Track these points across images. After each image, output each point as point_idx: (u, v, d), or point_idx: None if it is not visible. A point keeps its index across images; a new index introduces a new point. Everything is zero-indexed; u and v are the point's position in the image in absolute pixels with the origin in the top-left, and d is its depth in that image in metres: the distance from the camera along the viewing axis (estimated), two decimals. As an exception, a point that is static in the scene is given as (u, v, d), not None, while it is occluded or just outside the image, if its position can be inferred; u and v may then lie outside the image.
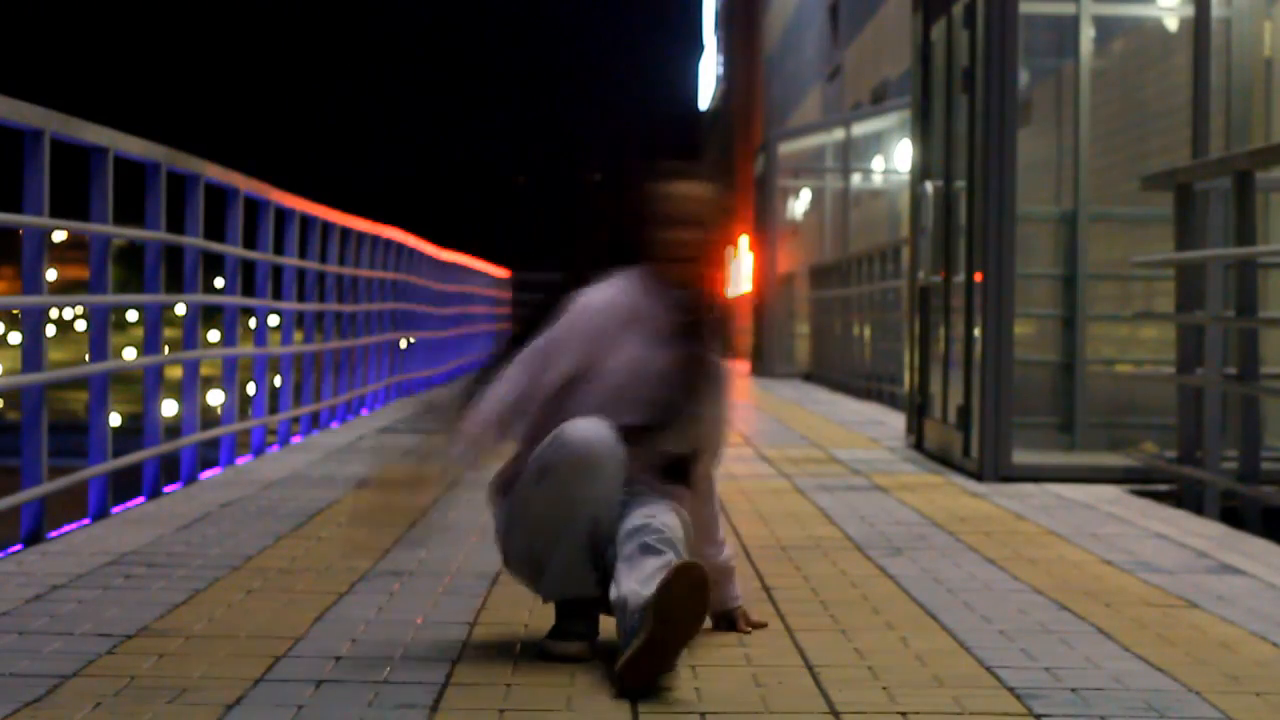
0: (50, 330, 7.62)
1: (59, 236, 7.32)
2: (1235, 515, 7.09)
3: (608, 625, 4.06)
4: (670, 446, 4.05)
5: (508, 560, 4.07)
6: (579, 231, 4.19)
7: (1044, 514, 6.91)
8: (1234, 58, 8.68)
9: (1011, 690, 3.65)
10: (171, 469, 7.63)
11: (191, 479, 7.79)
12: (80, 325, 53.65)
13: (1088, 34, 9.18)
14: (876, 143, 23.02)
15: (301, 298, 10.70)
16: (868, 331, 16.60)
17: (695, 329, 4.04)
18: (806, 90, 37.98)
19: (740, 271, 23.76)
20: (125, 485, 7.38)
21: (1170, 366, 8.10)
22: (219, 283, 9.45)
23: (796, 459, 9.18)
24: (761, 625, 4.30)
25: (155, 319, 7.46)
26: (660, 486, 4.01)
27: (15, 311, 6.39)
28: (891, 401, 14.72)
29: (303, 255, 10.79)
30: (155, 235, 7.36)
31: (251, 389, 9.64)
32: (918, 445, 9.94)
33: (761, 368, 21.97)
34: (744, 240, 24.24)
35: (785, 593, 4.87)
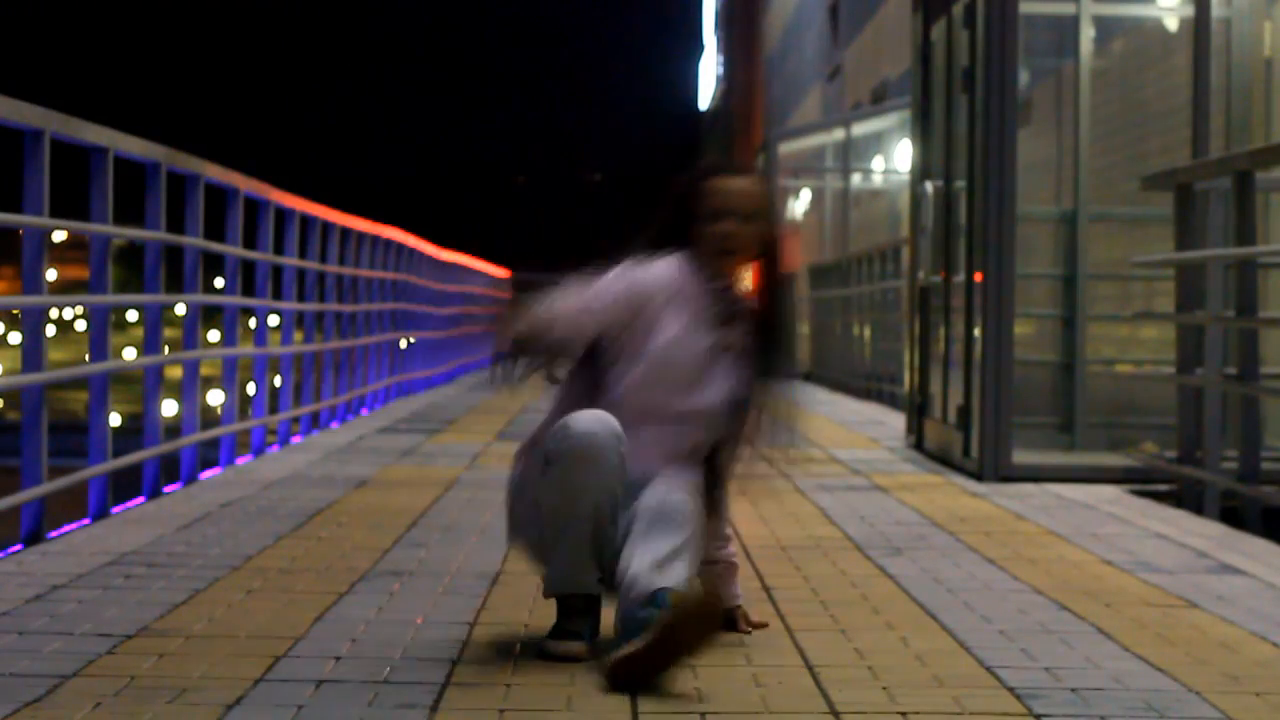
0: (50, 330, 7.62)
1: (59, 236, 7.32)
2: (1235, 515, 7.10)
3: (608, 625, 4.06)
4: (706, 435, 4.08)
5: (512, 525, 4.08)
6: (636, 222, 4.25)
7: (1044, 514, 6.91)
8: (1234, 58, 8.68)
9: (1011, 690, 3.66)
10: (171, 469, 7.63)
11: (191, 479, 7.79)
12: (80, 325, 53.66)
13: (1088, 34, 9.18)
14: (876, 143, 23.03)
15: (301, 298, 10.70)
16: (868, 331, 16.60)
17: (735, 320, 4.10)
18: (806, 90, 37.99)
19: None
20: (125, 485, 7.38)
21: (1170, 366, 8.10)
22: (219, 283, 9.45)
23: (796, 459, 9.17)
24: (762, 625, 4.30)
25: (155, 319, 7.46)
26: (683, 471, 4.02)
27: (15, 311, 6.39)
28: (891, 401, 14.72)
29: (303, 255, 10.79)
30: (155, 235, 7.36)
31: (251, 389, 9.64)
32: (918, 445, 9.94)
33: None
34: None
35: (785, 593, 4.87)
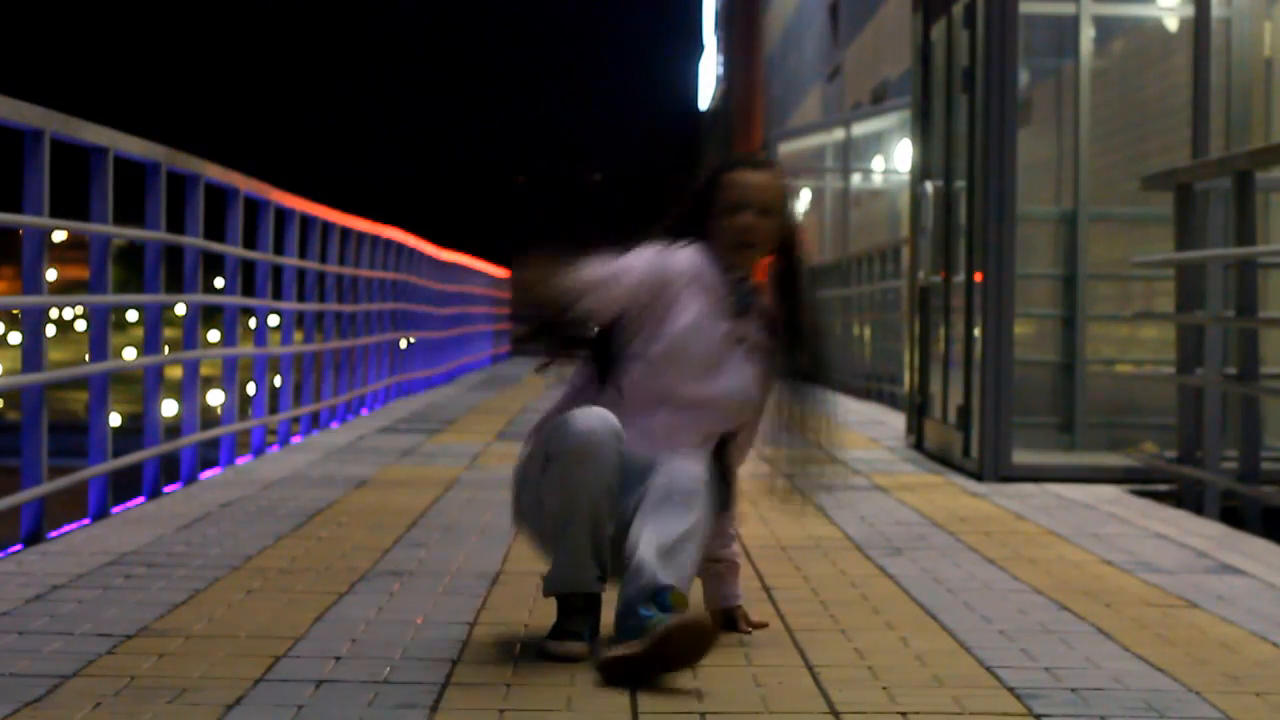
0: (50, 330, 7.62)
1: (59, 236, 7.32)
2: (1235, 515, 7.10)
3: (608, 623, 4.06)
4: (718, 425, 4.10)
5: (517, 511, 4.09)
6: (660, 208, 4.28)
7: (1044, 514, 6.91)
8: (1234, 58, 8.68)
9: (1011, 690, 3.66)
10: (171, 469, 7.63)
11: (191, 479, 7.79)
12: (80, 325, 53.66)
13: (1088, 34, 9.18)
14: (876, 143, 23.03)
15: (301, 298, 10.70)
16: (868, 331, 16.60)
17: (751, 314, 4.13)
18: (806, 90, 37.99)
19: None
20: (125, 485, 7.38)
21: (1170, 366, 8.10)
22: (219, 283, 9.44)
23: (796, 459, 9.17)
24: (762, 625, 4.30)
25: (155, 319, 7.45)
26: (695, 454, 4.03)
27: (15, 311, 6.38)
28: (891, 401, 14.72)
29: (303, 255, 10.79)
30: (155, 235, 7.36)
31: (251, 389, 9.64)
32: (918, 445, 9.94)
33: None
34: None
35: (785, 593, 4.87)
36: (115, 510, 6.60)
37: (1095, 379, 9.44)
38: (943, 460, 9.17)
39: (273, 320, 10.14)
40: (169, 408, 14.76)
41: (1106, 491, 7.80)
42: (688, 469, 3.92)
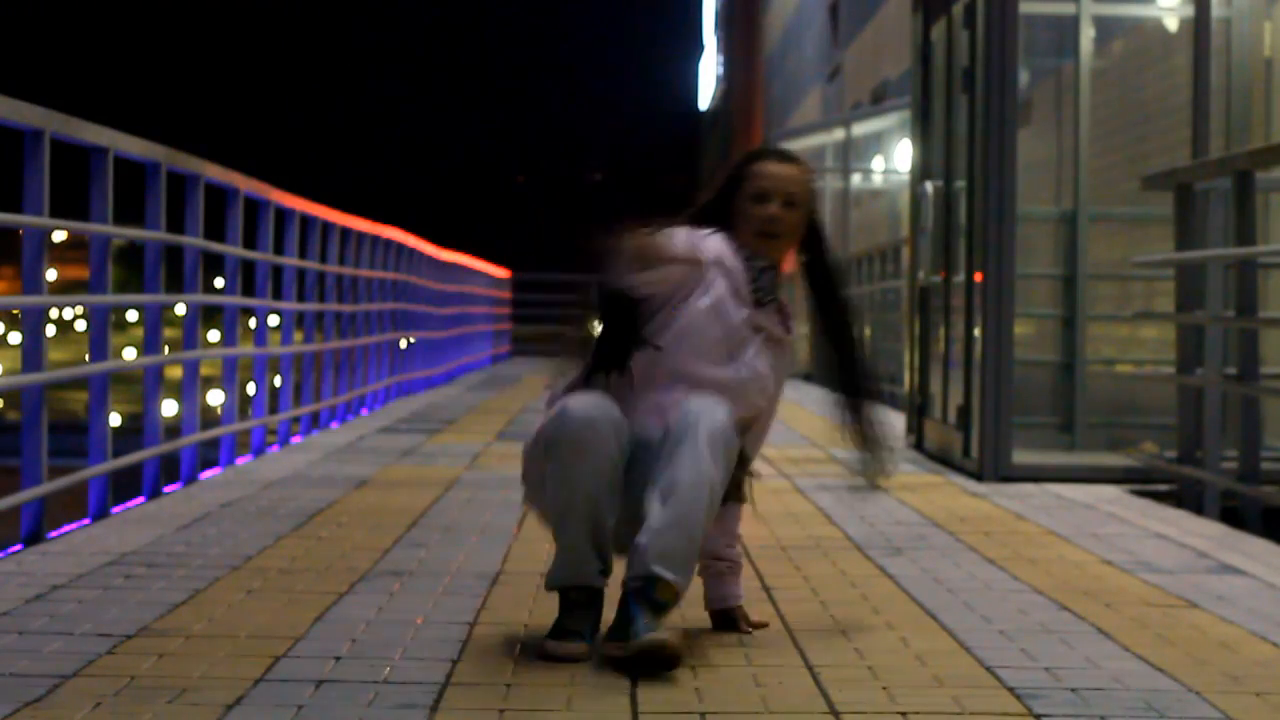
0: (50, 330, 7.62)
1: (59, 236, 7.32)
2: (1235, 515, 7.10)
3: (608, 623, 4.06)
4: (735, 410, 4.11)
5: (527, 490, 4.11)
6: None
7: (1044, 514, 6.91)
8: (1234, 58, 8.68)
9: (1011, 690, 3.66)
10: (171, 469, 7.63)
11: (191, 479, 7.79)
12: (80, 325, 53.65)
13: (1088, 34, 9.18)
14: (876, 143, 23.02)
15: (301, 298, 10.70)
16: (868, 331, 16.60)
17: (770, 305, 4.18)
18: (806, 90, 37.99)
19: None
20: (125, 485, 7.37)
21: (1170, 366, 8.10)
22: (219, 283, 9.44)
23: (796, 459, 9.18)
24: (762, 625, 4.30)
25: (155, 319, 7.45)
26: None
27: (15, 311, 6.38)
28: (891, 401, 14.71)
29: (303, 255, 10.79)
30: (155, 235, 7.36)
31: (251, 389, 9.64)
32: (918, 445, 9.94)
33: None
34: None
35: (785, 593, 4.87)
36: (115, 510, 6.60)
37: (1095, 379, 9.44)
38: (943, 460, 9.18)
39: (273, 320, 10.14)
40: (169, 408, 14.76)
41: (1106, 491, 7.80)
42: (716, 415, 3.92)
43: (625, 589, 3.88)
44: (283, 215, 10.34)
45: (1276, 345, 8.40)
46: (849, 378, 4.29)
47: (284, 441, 9.99)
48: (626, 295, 4.06)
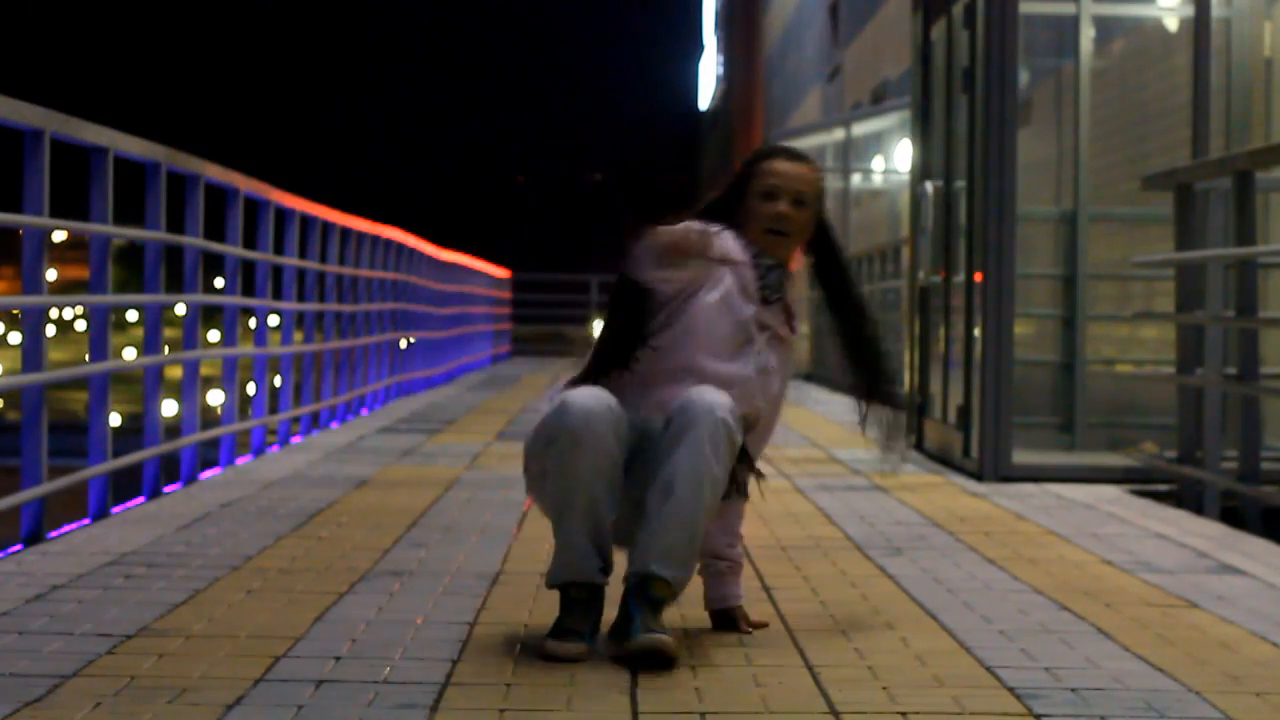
0: (50, 330, 7.61)
1: (59, 236, 7.31)
2: (1235, 515, 7.10)
3: (608, 623, 4.06)
4: (758, 401, 4.14)
5: (528, 480, 4.12)
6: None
7: (1044, 514, 6.91)
8: (1234, 58, 8.68)
9: (1011, 690, 3.66)
10: (171, 469, 7.63)
11: (191, 479, 7.79)
12: (80, 325, 53.66)
13: (1088, 34, 9.18)
14: (876, 143, 23.02)
15: (301, 298, 10.70)
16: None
17: (776, 304, 4.19)
18: (806, 90, 37.99)
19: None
20: (125, 485, 7.37)
21: (1170, 366, 8.10)
22: (219, 283, 9.44)
23: (796, 459, 9.18)
24: (762, 625, 4.31)
25: (155, 319, 7.45)
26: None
27: (15, 311, 6.38)
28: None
29: (303, 255, 10.79)
30: (155, 235, 7.36)
31: (251, 389, 9.64)
32: (918, 445, 9.94)
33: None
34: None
35: (785, 593, 4.87)
36: (115, 510, 6.60)
37: (1095, 379, 9.44)
38: (943, 460, 9.18)
39: (273, 320, 10.14)
40: (169, 408, 14.75)
41: (1106, 491, 7.80)
42: (713, 402, 3.94)
43: (626, 585, 3.92)
44: (283, 215, 10.34)
45: (1276, 345, 8.40)
46: (866, 377, 4.29)
47: (284, 441, 9.99)
48: (641, 287, 4.07)
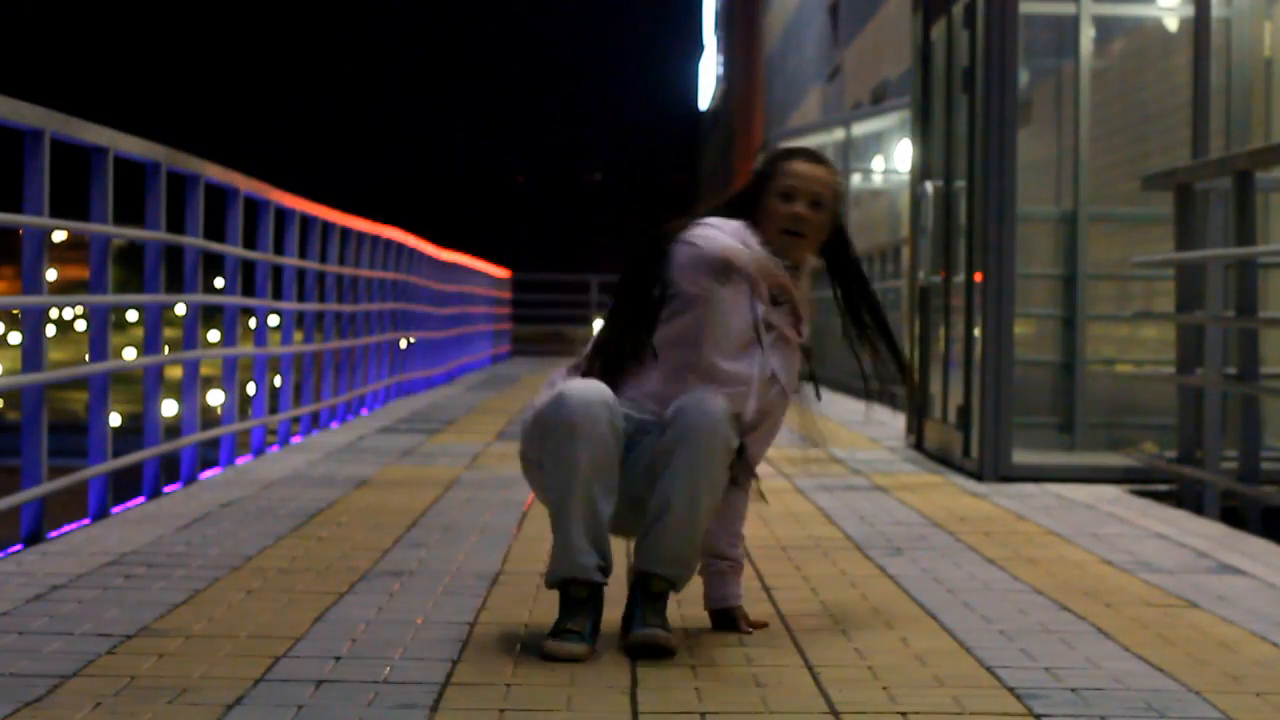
0: (50, 330, 7.61)
1: (59, 236, 7.31)
2: (1235, 515, 7.10)
3: (608, 624, 4.06)
4: (741, 405, 4.14)
5: (524, 461, 4.14)
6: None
7: (1044, 514, 6.91)
8: (1234, 58, 8.68)
9: (1011, 690, 3.66)
10: (171, 469, 7.63)
11: (191, 479, 7.79)
12: (80, 325, 53.66)
13: (1088, 34, 9.18)
14: (876, 143, 23.01)
15: (301, 298, 10.70)
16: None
17: (785, 305, 4.20)
18: (806, 90, 37.99)
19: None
20: (125, 485, 7.37)
21: (1170, 366, 8.10)
22: (219, 283, 9.44)
23: (796, 459, 9.18)
24: (762, 625, 4.31)
25: (155, 319, 7.45)
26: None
27: (15, 311, 6.38)
28: (891, 401, 14.71)
29: (303, 255, 10.79)
30: (155, 235, 7.36)
31: (251, 389, 9.64)
32: (918, 445, 9.94)
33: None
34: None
35: (785, 593, 4.87)
36: (115, 510, 6.60)
37: (1095, 379, 9.44)
38: (943, 460, 9.18)
39: (273, 320, 10.14)
40: (169, 408, 14.75)
41: (1106, 491, 7.80)
42: (707, 408, 3.97)
43: (629, 583, 4.04)
44: (283, 215, 10.34)
45: (1276, 345, 8.40)
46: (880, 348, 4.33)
47: (284, 441, 9.99)
48: (661, 276, 4.06)
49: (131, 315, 32.34)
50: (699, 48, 76.59)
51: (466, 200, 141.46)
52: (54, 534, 5.93)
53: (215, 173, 8.40)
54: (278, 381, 10.25)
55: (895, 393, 14.24)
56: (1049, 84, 9.76)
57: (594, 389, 3.97)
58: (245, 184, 9.05)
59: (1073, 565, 5.49)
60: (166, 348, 7.64)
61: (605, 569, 3.99)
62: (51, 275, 6.26)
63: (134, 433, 8.16)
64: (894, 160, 22.03)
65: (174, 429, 8.02)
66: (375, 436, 10.48)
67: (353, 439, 10.24)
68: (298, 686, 3.59)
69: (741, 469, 4.17)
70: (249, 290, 9.36)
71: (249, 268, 9.36)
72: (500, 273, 25.81)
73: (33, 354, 5.92)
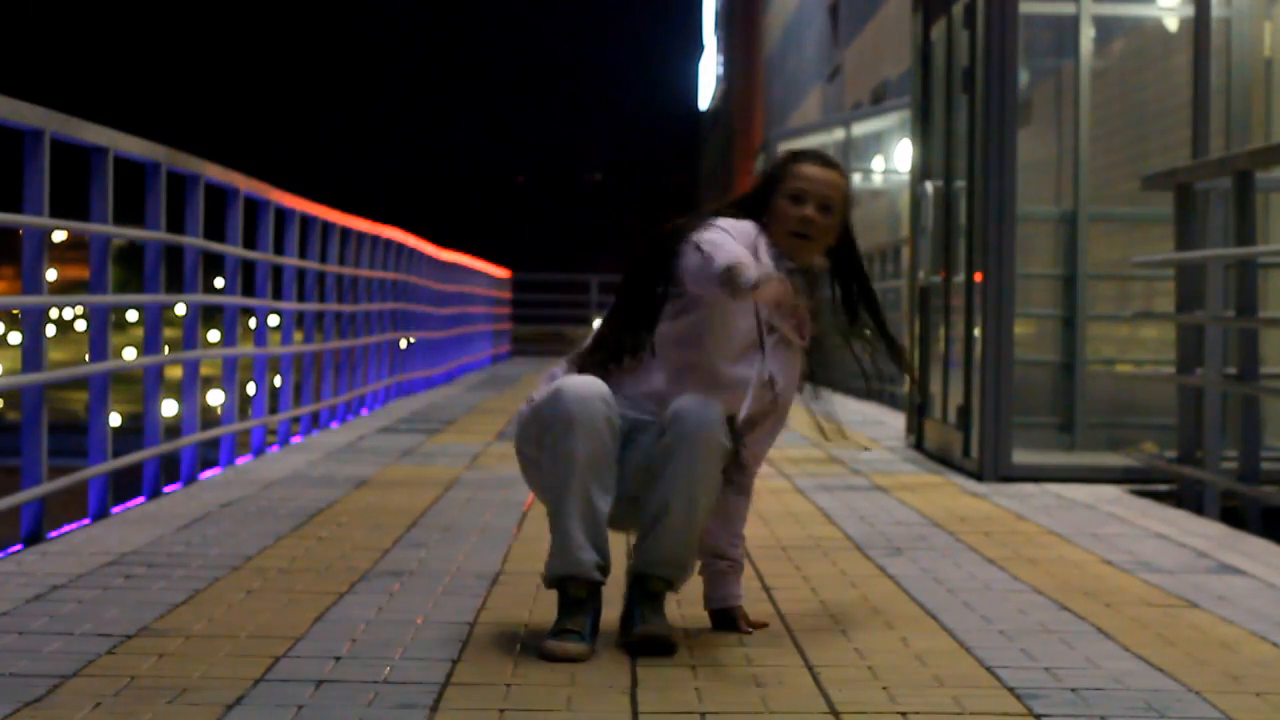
0: (50, 330, 7.61)
1: (59, 236, 7.31)
2: (1235, 515, 7.10)
3: (608, 624, 4.06)
4: (737, 406, 4.15)
5: (521, 456, 4.15)
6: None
7: (1044, 514, 6.91)
8: (1234, 58, 8.68)
9: (1011, 690, 3.66)
10: (171, 469, 7.63)
11: (191, 479, 7.79)
12: (80, 325, 53.66)
13: (1088, 34, 9.18)
14: (876, 143, 23.02)
15: (301, 298, 10.70)
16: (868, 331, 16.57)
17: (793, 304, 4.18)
18: (806, 90, 37.99)
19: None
20: (125, 485, 7.37)
21: (1170, 366, 8.10)
22: (219, 283, 9.44)
23: (796, 459, 9.18)
24: (762, 625, 4.31)
25: (155, 319, 7.45)
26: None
27: (15, 311, 6.38)
28: (891, 401, 14.72)
29: (303, 255, 10.79)
30: (155, 235, 7.36)
31: (251, 389, 9.64)
32: (918, 445, 9.94)
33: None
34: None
35: (785, 593, 4.87)
36: (115, 510, 6.60)
37: (1095, 379, 9.44)
38: (943, 460, 9.18)
39: (273, 320, 10.14)
40: (169, 408, 14.75)
41: (1106, 491, 7.80)
42: (703, 414, 3.98)
43: (627, 581, 4.08)
44: (283, 215, 10.34)
45: (1276, 345, 8.40)
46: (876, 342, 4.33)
47: (284, 441, 9.99)
48: (666, 273, 4.06)
49: (131, 315, 32.34)
50: (699, 48, 76.61)
51: (466, 200, 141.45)
52: (54, 534, 5.93)
53: (215, 173, 8.40)
54: (278, 381, 10.25)
55: (896, 393, 14.25)
56: (1049, 84, 9.76)
57: (591, 385, 3.98)
58: (245, 184, 9.05)
59: (1073, 565, 5.49)
60: (166, 348, 7.64)
61: (604, 568, 3.99)
62: (51, 275, 6.25)
63: (134, 433, 8.17)
64: (894, 160, 22.03)
65: (174, 429, 8.02)
66: (375, 436, 10.48)
67: (353, 439, 10.24)
68: (298, 686, 3.59)
69: (736, 470, 4.18)
70: (249, 290, 9.36)
71: (249, 268, 9.36)
72: (500, 273, 25.82)
73: (33, 354, 5.92)
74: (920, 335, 10.09)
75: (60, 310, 16.47)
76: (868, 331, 4.33)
